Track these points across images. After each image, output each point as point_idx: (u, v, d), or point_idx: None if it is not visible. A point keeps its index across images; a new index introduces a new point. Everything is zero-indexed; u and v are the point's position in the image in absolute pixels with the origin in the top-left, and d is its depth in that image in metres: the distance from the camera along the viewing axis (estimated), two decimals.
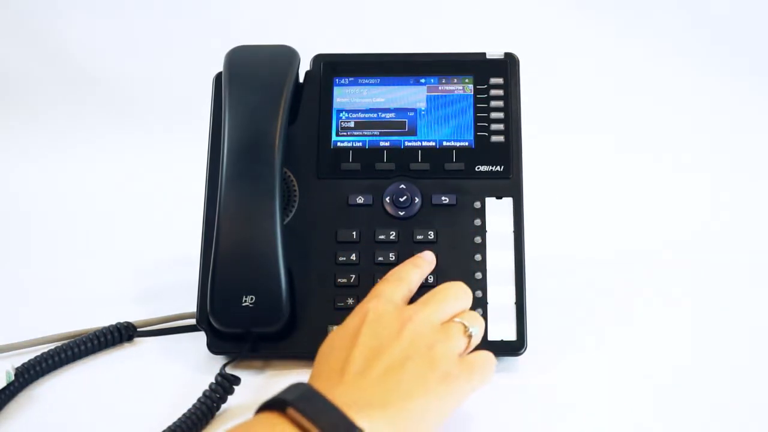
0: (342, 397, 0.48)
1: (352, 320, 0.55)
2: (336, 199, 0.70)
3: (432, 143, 0.72)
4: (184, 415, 0.59)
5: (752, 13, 1.13)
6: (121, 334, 0.71)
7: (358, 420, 0.46)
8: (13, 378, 0.63)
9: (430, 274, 0.67)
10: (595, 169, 1.09)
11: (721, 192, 1.04)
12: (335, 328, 0.55)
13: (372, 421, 0.47)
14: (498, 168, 0.71)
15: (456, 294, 0.59)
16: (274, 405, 0.46)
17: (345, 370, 0.50)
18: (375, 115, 0.73)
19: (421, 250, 0.68)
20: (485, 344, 0.66)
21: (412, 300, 0.60)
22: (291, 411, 0.45)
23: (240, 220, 0.65)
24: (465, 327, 0.56)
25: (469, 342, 0.56)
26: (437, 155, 0.71)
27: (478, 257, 0.68)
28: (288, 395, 0.46)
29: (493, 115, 0.72)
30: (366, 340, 0.52)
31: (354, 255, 0.68)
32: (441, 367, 0.52)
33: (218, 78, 0.73)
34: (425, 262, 0.65)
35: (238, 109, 0.68)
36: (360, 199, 0.70)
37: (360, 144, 0.72)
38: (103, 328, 0.71)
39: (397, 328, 0.53)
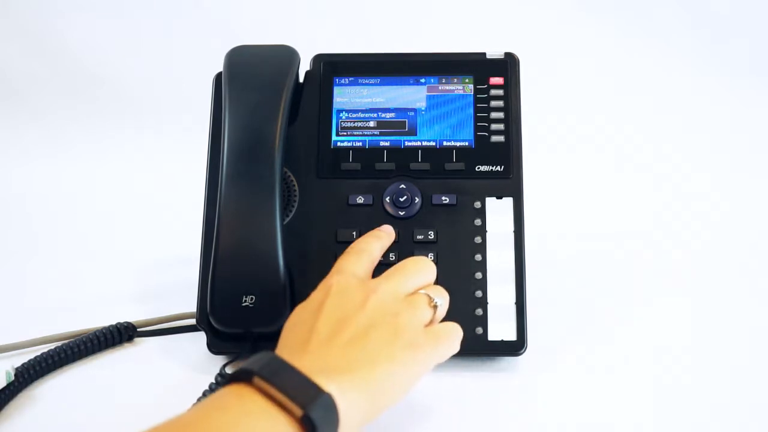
0: (308, 364, 0.48)
1: (316, 295, 0.55)
2: (336, 199, 0.70)
3: (432, 143, 0.72)
4: None
5: (752, 13, 1.13)
6: (121, 334, 0.71)
7: (325, 385, 0.46)
8: (13, 378, 0.63)
9: None
10: (595, 169, 1.09)
11: (721, 192, 1.04)
12: (300, 303, 0.55)
13: (339, 385, 0.47)
14: (498, 168, 0.71)
15: (420, 268, 0.59)
16: (241, 376, 0.46)
17: (310, 339, 0.51)
18: (375, 115, 0.73)
19: (421, 251, 0.68)
20: (485, 344, 0.66)
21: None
22: (257, 380, 0.45)
23: (240, 219, 0.65)
24: (430, 298, 0.56)
25: (435, 313, 0.56)
26: (437, 155, 0.71)
27: (478, 257, 0.68)
28: (254, 366, 0.46)
29: (493, 115, 0.72)
30: (330, 311, 0.53)
31: None
32: (406, 335, 0.52)
33: (218, 78, 0.73)
34: (384, 233, 0.64)
35: (238, 108, 0.68)
36: (360, 199, 0.70)
37: (360, 144, 0.72)
38: (103, 328, 0.71)
39: (361, 299, 0.53)
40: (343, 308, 0.53)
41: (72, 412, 0.62)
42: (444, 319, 0.58)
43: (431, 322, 0.56)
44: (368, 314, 0.52)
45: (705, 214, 1.00)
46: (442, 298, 0.57)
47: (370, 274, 0.59)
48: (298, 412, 0.44)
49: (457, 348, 0.56)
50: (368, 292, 0.54)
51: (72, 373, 0.67)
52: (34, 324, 0.73)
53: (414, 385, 0.53)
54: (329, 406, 0.46)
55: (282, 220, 0.66)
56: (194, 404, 0.46)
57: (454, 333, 0.56)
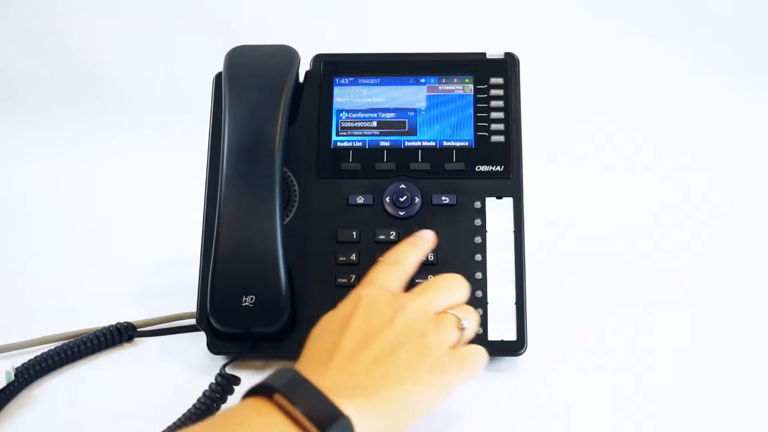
0: (329, 382, 0.47)
1: (344, 306, 0.54)
2: (336, 199, 0.70)
3: (432, 143, 0.72)
4: (183, 415, 0.59)
5: (752, 13, 1.13)
6: (121, 334, 0.71)
7: (345, 407, 0.46)
8: (13, 378, 0.63)
9: (430, 275, 0.67)
10: (595, 169, 1.09)
11: (721, 192, 1.04)
12: (328, 313, 0.55)
13: (358, 407, 0.47)
14: (498, 168, 0.71)
15: (453, 286, 0.58)
16: (262, 390, 0.46)
17: (334, 355, 0.50)
18: (375, 115, 0.73)
19: None
20: (485, 344, 0.66)
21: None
22: (278, 397, 0.45)
23: (240, 219, 0.65)
24: (459, 320, 0.55)
25: (462, 335, 0.55)
26: (437, 155, 0.71)
27: (478, 257, 0.68)
28: (276, 381, 0.46)
29: (493, 115, 0.72)
30: (357, 325, 0.52)
31: (354, 255, 0.68)
32: (432, 356, 0.52)
33: (218, 78, 0.73)
34: (424, 241, 0.62)
35: (238, 108, 0.68)
36: (360, 199, 0.70)
37: (360, 144, 0.72)
38: (103, 328, 0.71)
39: (390, 315, 0.53)
40: (371, 323, 0.52)
41: (72, 412, 0.62)
42: None
43: (457, 342, 0.55)
44: (395, 332, 0.52)
45: (705, 214, 1.00)
46: (471, 321, 0.56)
47: (403, 287, 0.58)
48: None
49: (480, 372, 0.56)
50: (397, 308, 0.53)
51: (72, 373, 0.67)
52: (34, 324, 0.73)
53: (434, 407, 0.52)
54: (347, 430, 0.46)
55: (282, 220, 0.66)
56: (214, 415, 0.46)
57: (480, 356, 0.56)
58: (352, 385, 0.48)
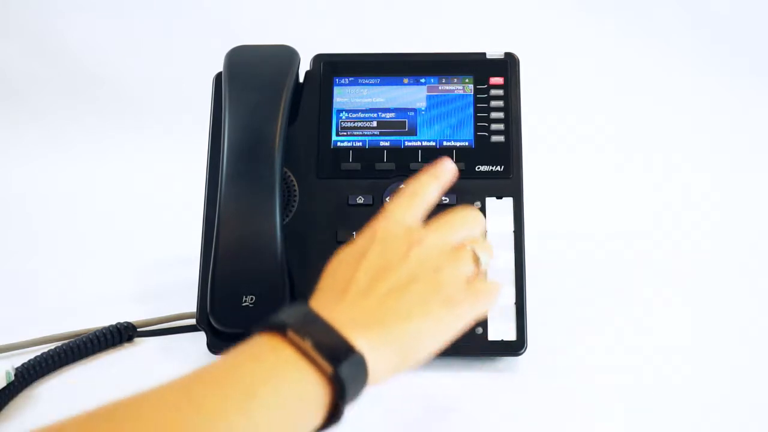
0: (342, 317, 0.47)
1: (360, 240, 0.54)
2: (336, 199, 0.70)
3: (432, 143, 0.72)
4: None
5: (752, 13, 1.13)
6: (121, 334, 0.71)
7: (357, 341, 0.46)
8: (13, 378, 0.63)
9: None
10: (595, 169, 1.09)
11: (721, 192, 1.04)
12: (343, 247, 0.54)
13: (370, 342, 0.47)
14: (498, 168, 0.71)
15: (468, 219, 0.57)
16: (274, 327, 0.46)
17: (348, 289, 0.50)
18: (375, 115, 0.73)
19: None
20: (485, 344, 0.66)
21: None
22: (291, 334, 0.45)
23: (240, 219, 0.65)
24: (475, 254, 0.54)
25: (478, 269, 0.55)
26: (437, 155, 0.71)
27: None
28: (288, 317, 0.46)
29: (493, 115, 0.72)
30: (372, 260, 0.52)
31: None
32: (445, 290, 0.51)
33: (218, 78, 0.73)
34: (444, 171, 0.59)
35: (238, 108, 0.68)
36: (360, 199, 0.70)
37: (360, 144, 0.72)
38: (103, 328, 0.71)
39: (405, 249, 0.52)
40: (386, 257, 0.52)
41: (72, 412, 0.62)
42: None
43: (473, 277, 0.54)
44: (410, 266, 0.51)
45: (705, 214, 1.00)
46: (487, 254, 0.55)
47: (421, 220, 0.56)
48: (328, 369, 0.44)
49: (493, 306, 0.55)
50: (413, 243, 0.53)
51: (72, 373, 0.67)
52: (34, 324, 0.73)
53: (446, 341, 0.52)
54: (359, 364, 0.46)
55: (282, 220, 0.66)
56: (225, 353, 0.46)
57: (494, 291, 0.55)
58: (364, 320, 0.48)
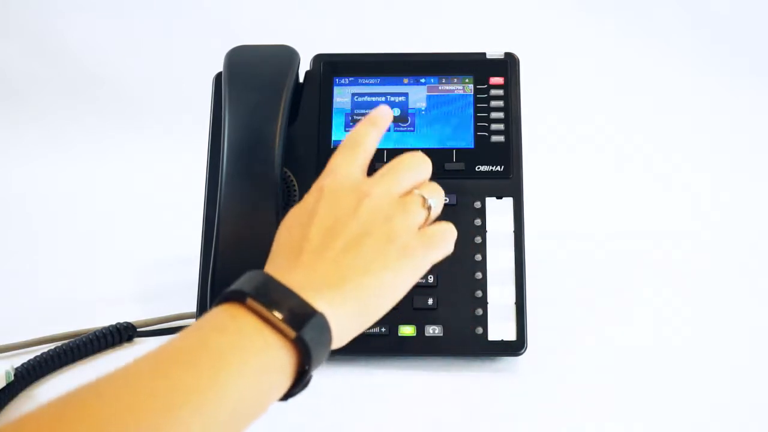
0: (300, 280, 0.47)
1: (308, 199, 0.53)
2: None
3: (432, 143, 0.72)
4: None
5: (752, 13, 1.13)
6: (121, 334, 0.71)
7: (317, 303, 0.46)
8: (13, 378, 0.63)
9: (430, 274, 0.67)
10: (595, 169, 1.09)
11: (721, 192, 1.04)
12: (293, 207, 0.54)
13: (330, 301, 0.47)
14: (498, 168, 0.71)
15: (414, 164, 0.56)
16: (234, 296, 0.46)
17: (302, 250, 0.50)
18: None
19: None
20: (485, 344, 0.66)
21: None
22: (251, 301, 0.45)
23: (240, 219, 0.65)
24: (424, 199, 0.54)
25: (429, 214, 0.54)
26: (437, 155, 0.71)
27: (478, 257, 0.68)
28: (246, 286, 0.46)
29: (493, 115, 0.72)
30: (322, 218, 0.51)
31: None
32: (399, 240, 0.51)
33: (218, 78, 0.73)
34: (381, 117, 0.58)
35: (238, 108, 0.68)
36: None
37: None
38: (103, 328, 0.71)
39: (354, 203, 0.52)
40: (336, 214, 0.51)
41: None
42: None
43: (425, 222, 0.54)
44: (361, 220, 0.51)
45: (705, 214, 1.00)
46: (437, 198, 0.55)
47: (366, 169, 0.56)
48: (291, 333, 0.44)
49: (450, 249, 0.55)
50: (361, 196, 0.52)
51: (72, 373, 0.67)
52: (34, 324, 0.73)
53: (406, 290, 0.52)
54: (322, 326, 0.46)
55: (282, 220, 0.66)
56: (188, 326, 0.46)
57: (449, 234, 0.55)
58: (322, 280, 0.48)
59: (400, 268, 0.51)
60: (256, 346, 0.44)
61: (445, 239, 0.54)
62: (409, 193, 0.54)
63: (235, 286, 0.46)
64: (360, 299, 0.49)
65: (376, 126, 0.57)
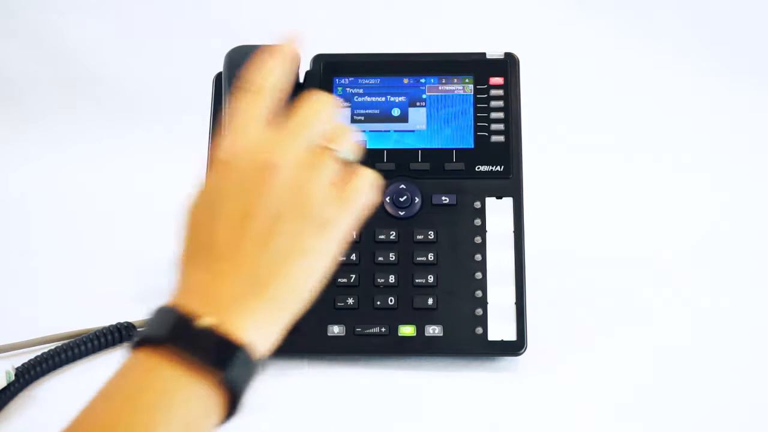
0: (215, 297, 0.44)
1: (210, 181, 0.49)
2: None
3: (432, 143, 0.72)
4: None
5: (752, 13, 1.13)
6: (121, 334, 0.71)
7: (239, 326, 0.43)
8: (13, 378, 0.63)
9: (430, 275, 0.67)
10: (595, 168, 1.09)
11: (721, 192, 1.04)
12: (193, 191, 0.49)
13: (253, 317, 0.44)
14: (498, 168, 0.71)
15: (317, 111, 0.49)
16: (150, 342, 0.43)
17: (211, 256, 0.46)
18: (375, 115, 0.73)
19: (421, 251, 0.68)
20: (485, 344, 0.66)
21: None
22: (169, 348, 0.42)
23: None
24: (332, 151, 0.49)
25: (341, 165, 0.50)
26: (437, 155, 0.71)
27: (478, 257, 0.68)
28: (160, 330, 0.43)
29: (493, 115, 0.72)
30: (228, 211, 0.47)
31: (354, 255, 0.68)
32: (314, 213, 0.47)
33: (218, 78, 0.73)
34: (285, 46, 0.51)
35: None
36: None
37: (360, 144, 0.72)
38: (103, 328, 0.71)
39: (260, 180, 0.46)
40: (242, 200, 0.46)
41: (72, 412, 0.62)
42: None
43: (339, 177, 0.49)
44: (271, 202, 0.46)
45: (705, 214, 1.00)
46: (347, 147, 0.50)
47: (268, 117, 0.49)
48: (217, 375, 0.42)
49: (371, 197, 0.50)
50: (267, 171, 0.46)
51: (72, 373, 0.67)
52: (34, 324, 0.73)
53: (333, 262, 0.48)
54: (247, 359, 0.43)
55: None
56: (105, 385, 0.43)
57: (365, 185, 0.50)
58: (240, 292, 0.44)
59: (321, 246, 0.47)
60: (182, 397, 0.42)
61: (361, 192, 0.50)
62: (316, 150, 0.49)
63: (149, 330, 0.43)
64: (284, 298, 0.46)
65: (279, 58, 0.50)
